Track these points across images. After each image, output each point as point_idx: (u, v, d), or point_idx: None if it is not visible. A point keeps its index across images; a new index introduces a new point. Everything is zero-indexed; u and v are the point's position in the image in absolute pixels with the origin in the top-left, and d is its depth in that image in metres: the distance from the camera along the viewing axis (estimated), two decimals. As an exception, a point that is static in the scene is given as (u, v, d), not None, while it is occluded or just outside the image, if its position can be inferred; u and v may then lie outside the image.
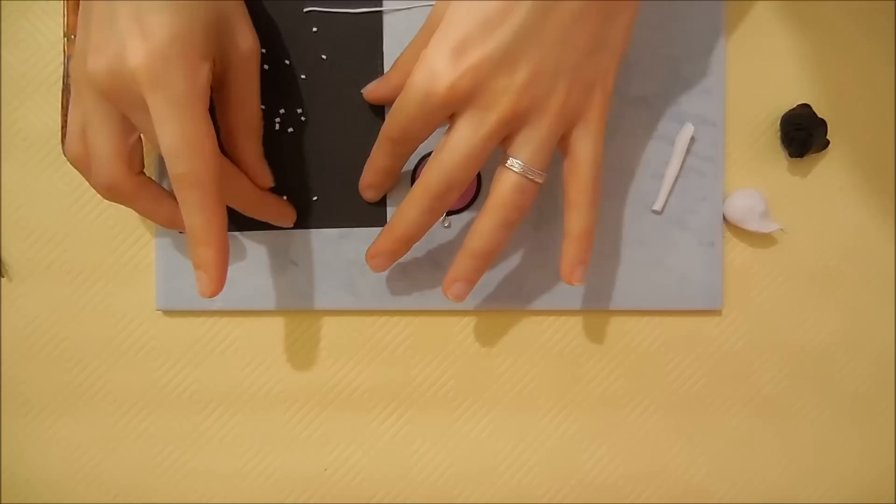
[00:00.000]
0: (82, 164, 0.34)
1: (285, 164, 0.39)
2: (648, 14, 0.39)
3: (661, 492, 0.41)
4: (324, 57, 0.39)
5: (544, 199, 0.39)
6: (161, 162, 0.39)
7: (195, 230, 0.31)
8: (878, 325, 0.42)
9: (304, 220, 0.39)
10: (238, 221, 0.39)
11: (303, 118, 0.39)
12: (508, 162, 0.32)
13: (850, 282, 0.42)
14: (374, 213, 0.39)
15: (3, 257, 0.40)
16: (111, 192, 0.33)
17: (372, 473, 0.41)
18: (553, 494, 0.41)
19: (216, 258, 0.32)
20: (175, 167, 0.30)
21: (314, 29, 0.39)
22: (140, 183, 0.34)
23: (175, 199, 0.32)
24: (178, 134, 0.30)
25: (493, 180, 0.33)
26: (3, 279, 0.40)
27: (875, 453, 0.42)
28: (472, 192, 0.39)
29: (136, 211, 0.35)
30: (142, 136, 0.33)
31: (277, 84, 0.39)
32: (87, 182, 0.37)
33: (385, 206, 0.39)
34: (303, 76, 0.39)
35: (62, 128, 0.39)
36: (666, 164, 0.40)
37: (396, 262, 0.38)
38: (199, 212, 0.31)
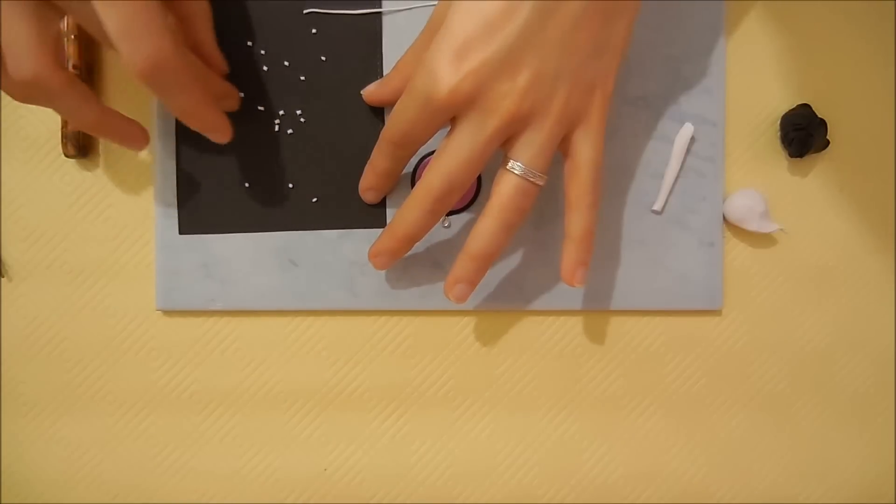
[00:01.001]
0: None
1: (285, 166, 0.39)
2: (648, 14, 0.39)
3: (661, 492, 0.41)
4: (323, 58, 0.39)
5: (545, 199, 0.39)
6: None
7: (188, 108, 0.31)
8: (878, 325, 0.42)
9: (305, 221, 0.39)
10: (238, 222, 0.39)
11: (302, 119, 0.39)
12: (509, 164, 0.32)
13: (850, 282, 0.42)
14: (373, 214, 0.39)
15: (3, 257, 0.40)
16: (33, 89, 0.30)
17: (372, 473, 0.41)
18: (553, 494, 0.41)
19: (217, 114, 0.33)
20: (136, 51, 0.27)
21: (313, 30, 0.39)
22: (68, 77, 0.30)
23: (102, 104, 0.31)
24: (130, 12, 0.27)
25: (494, 183, 0.33)
26: (3, 279, 0.40)
27: (875, 453, 0.42)
28: (473, 193, 0.39)
29: (60, 112, 0.32)
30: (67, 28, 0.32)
31: (277, 85, 0.39)
32: (85, 183, 0.37)
33: (385, 207, 0.39)
34: (302, 77, 0.39)
35: (62, 127, 0.39)
36: (666, 164, 0.40)
37: (396, 262, 0.38)
38: (182, 91, 0.30)
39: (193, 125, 0.32)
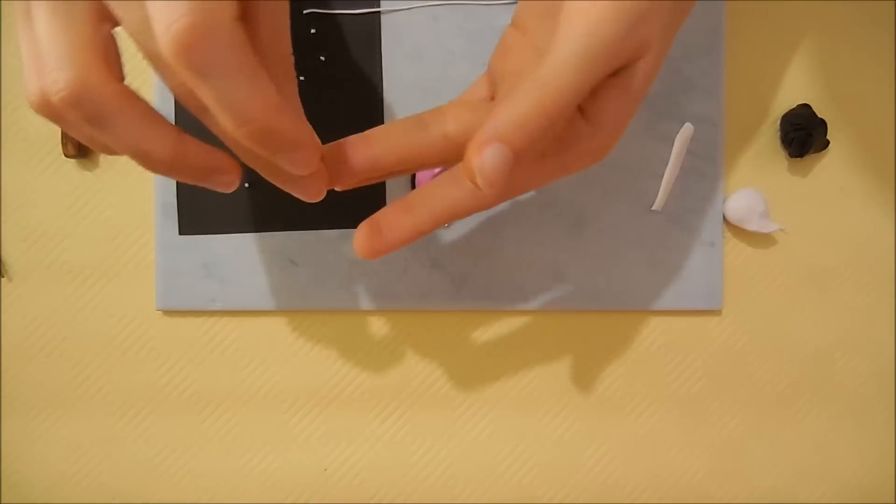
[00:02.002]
0: (48, 108, 0.23)
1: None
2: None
3: (661, 492, 0.41)
4: (322, 58, 0.39)
5: (545, 200, 0.39)
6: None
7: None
8: (878, 325, 0.42)
9: (305, 221, 0.39)
10: (238, 222, 0.39)
11: (302, 118, 0.39)
12: None
13: (850, 282, 0.41)
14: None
15: (3, 257, 0.40)
16: (82, 104, 0.22)
17: (372, 473, 0.41)
18: (553, 494, 0.41)
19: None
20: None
21: (312, 30, 0.39)
22: (126, 92, 0.23)
23: (177, 129, 0.24)
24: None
25: None
26: (3, 279, 0.40)
27: (875, 453, 0.42)
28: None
29: (118, 146, 0.24)
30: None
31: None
32: (85, 183, 0.37)
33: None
34: (301, 78, 0.39)
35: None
36: (666, 164, 0.40)
37: (396, 262, 0.38)
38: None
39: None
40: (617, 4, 0.25)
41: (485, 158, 0.24)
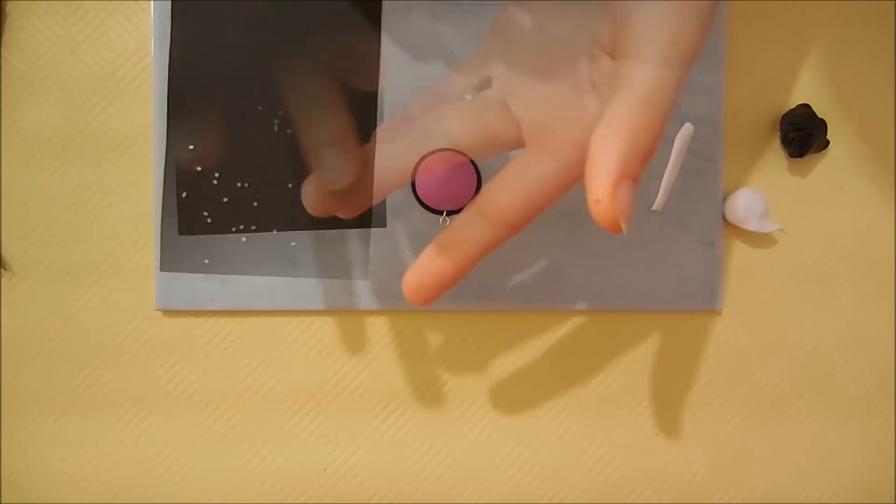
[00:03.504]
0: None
1: (285, 166, 0.39)
2: (648, 14, 0.39)
3: (661, 492, 0.41)
4: (324, 57, 0.39)
5: (544, 199, 0.39)
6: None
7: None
8: (878, 325, 0.42)
9: (305, 221, 0.39)
10: (238, 222, 0.39)
11: (303, 118, 0.39)
12: None
13: (850, 282, 0.42)
14: (373, 214, 0.39)
15: (3, 257, 0.40)
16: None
17: (372, 473, 0.41)
18: (553, 494, 0.41)
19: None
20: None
21: (314, 29, 0.39)
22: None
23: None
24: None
25: None
26: (3, 278, 0.40)
27: (875, 453, 0.42)
28: (473, 192, 0.39)
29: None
30: None
31: (276, 85, 0.39)
32: (79, 178, 0.37)
33: (384, 208, 0.39)
34: (303, 76, 0.39)
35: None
36: (666, 164, 0.40)
37: (396, 262, 0.38)
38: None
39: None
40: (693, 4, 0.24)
41: (623, 203, 0.23)
